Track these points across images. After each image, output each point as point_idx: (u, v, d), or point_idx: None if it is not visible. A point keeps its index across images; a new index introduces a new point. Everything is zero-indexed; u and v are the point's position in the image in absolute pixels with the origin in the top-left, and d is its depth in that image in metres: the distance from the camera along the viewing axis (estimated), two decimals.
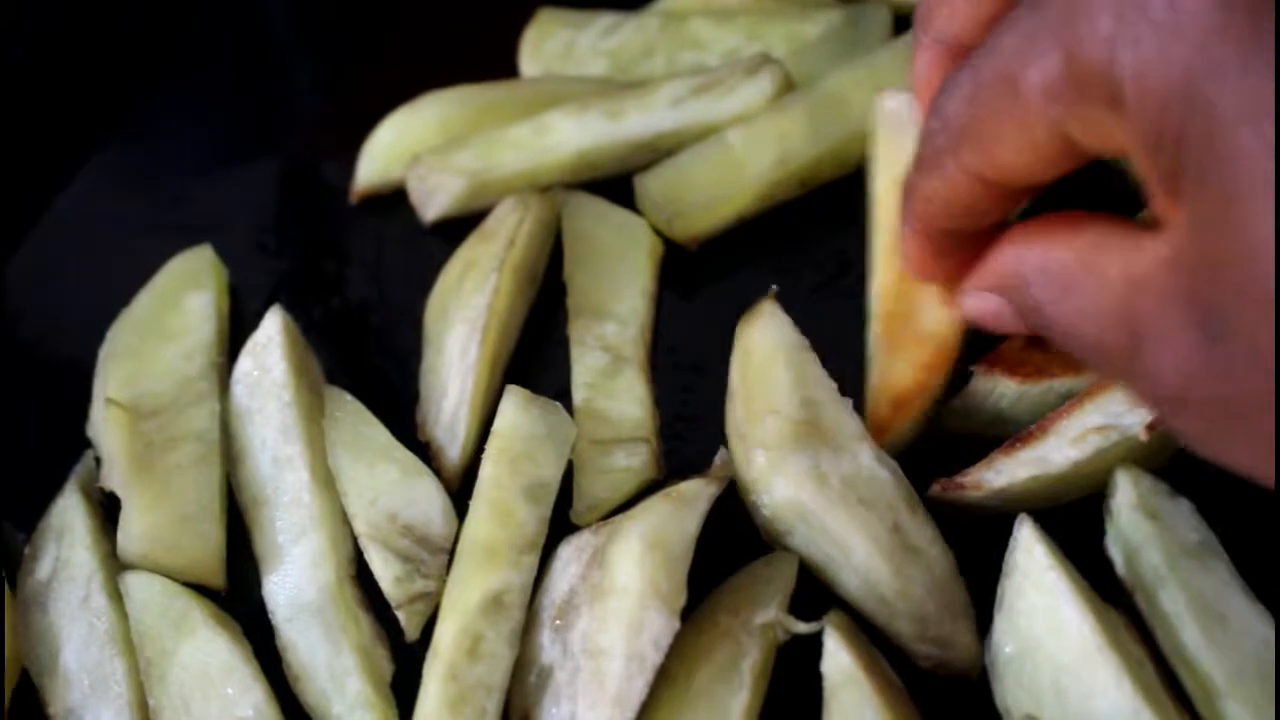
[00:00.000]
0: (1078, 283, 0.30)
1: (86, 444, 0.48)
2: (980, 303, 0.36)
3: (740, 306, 0.45)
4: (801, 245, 0.50)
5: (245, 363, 0.47)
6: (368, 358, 0.50)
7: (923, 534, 0.40)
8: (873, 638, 0.40)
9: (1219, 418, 0.27)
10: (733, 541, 0.42)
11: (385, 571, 0.42)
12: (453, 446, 0.45)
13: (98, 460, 0.47)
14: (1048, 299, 0.31)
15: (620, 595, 0.38)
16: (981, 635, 0.39)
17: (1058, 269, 0.31)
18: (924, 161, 0.34)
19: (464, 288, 0.47)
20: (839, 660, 0.38)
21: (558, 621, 0.40)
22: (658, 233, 0.50)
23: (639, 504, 0.41)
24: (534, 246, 0.48)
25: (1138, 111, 0.26)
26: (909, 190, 0.35)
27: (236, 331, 0.50)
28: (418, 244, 0.52)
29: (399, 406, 0.47)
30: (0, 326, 0.53)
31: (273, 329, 0.46)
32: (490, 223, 0.49)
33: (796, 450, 0.40)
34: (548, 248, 0.50)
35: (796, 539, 0.41)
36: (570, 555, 0.41)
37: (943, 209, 0.34)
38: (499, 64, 0.57)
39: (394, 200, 0.53)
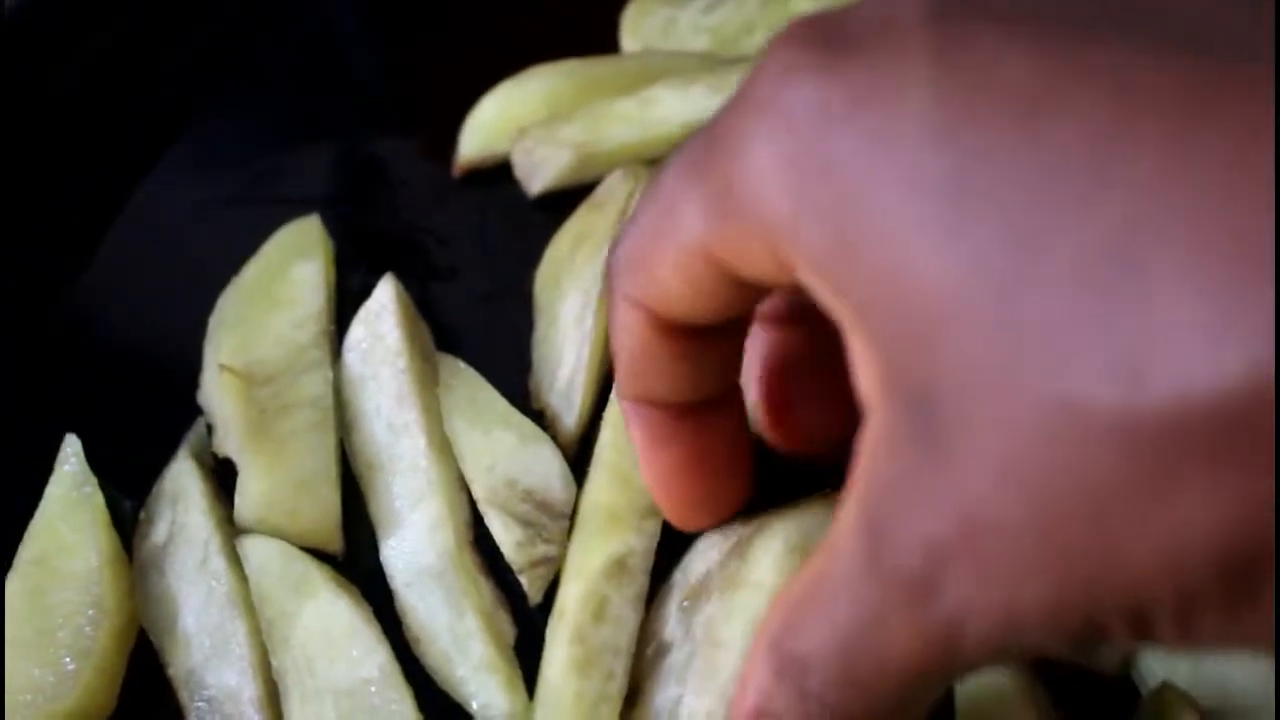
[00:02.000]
0: (842, 651, 0.24)
1: (193, 413, 0.48)
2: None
3: None
4: None
5: (358, 330, 0.47)
6: (475, 328, 0.50)
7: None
8: None
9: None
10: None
11: (506, 536, 0.42)
12: (569, 414, 0.45)
13: (209, 428, 0.47)
14: (822, 683, 0.25)
15: (753, 590, 0.37)
16: None
17: (815, 652, 0.25)
18: (607, 300, 0.31)
19: (577, 258, 0.47)
20: None
21: (685, 602, 0.39)
22: None
23: (796, 501, 0.40)
24: None
25: (776, 214, 0.24)
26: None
27: (340, 303, 0.50)
28: (522, 217, 0.52)
29: (508, 376, 0.47)
30: (98, 302, 0.53)
31: (385, 297, 0.47)
32: (600, 194, 0.49)
33: None
34: None
35: None
36: (714, 540, 0.40)
37: (620, 357, 0.32)
38: (600, 41, 0.57)
39: (498, 174, 0.53)
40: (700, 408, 0.32)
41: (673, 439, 0.33)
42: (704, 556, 0.40)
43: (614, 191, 0.48)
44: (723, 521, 0.39)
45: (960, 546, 0.21)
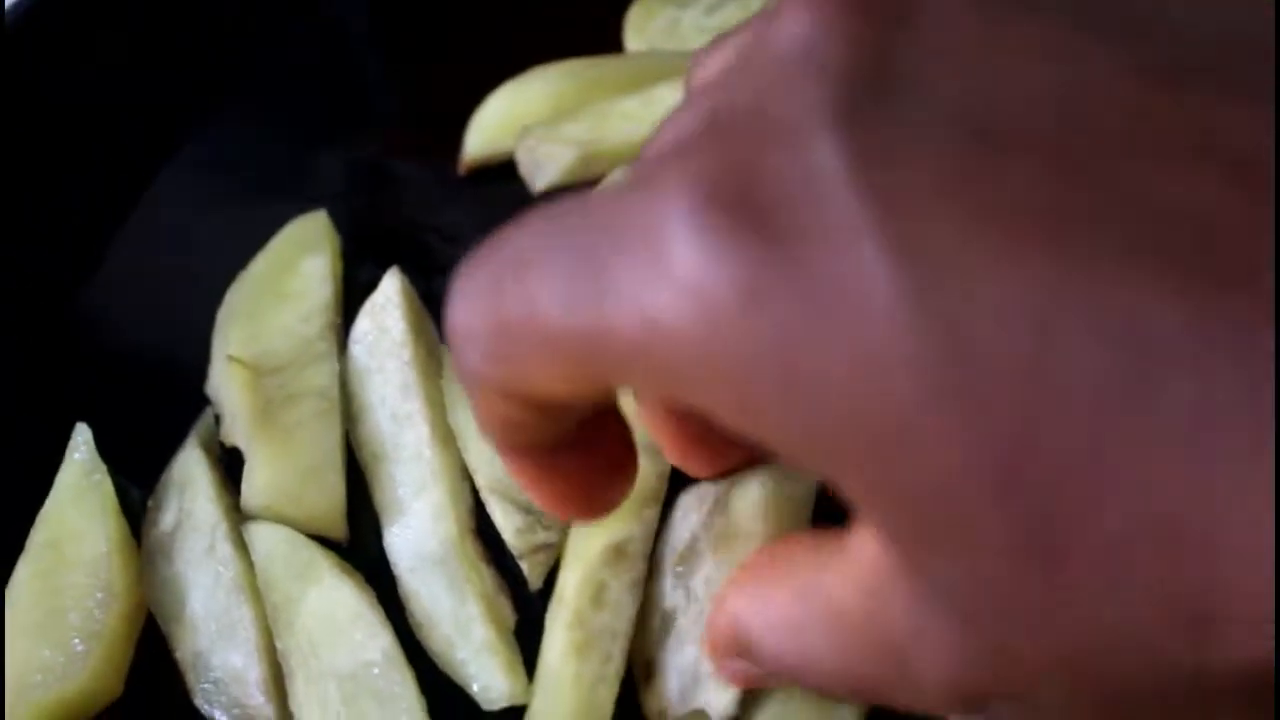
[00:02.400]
0: (805, 621, 0.26)
1: (200, 404, 0.49)
2: (730, 673, 0.32)
3: None
4: None
5: (364, 323, 0.48)
6: None
7: None
8: None
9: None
10: None
11: (507, 523, 0.43)
12: None
13: (216, 418, 0.48)
14: (786, 651, 0.26)
15: (743, 540, 0.38)
16: None
17: (778, 615, 0.27)
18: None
19: None
20: None
21: (679, 568, 0.40)
22: None
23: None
24: None
25: (692, 374, 0.21)
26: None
27: (346, 297, 0.51)
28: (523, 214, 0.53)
29: None
30: (108, 296, 0.54)
31: (391, 290, 0.47)
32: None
33: None
34: None
35: None
36: (690, 504, 0.41)
37: (479, 419, 0.30)
38: (604, 42, 0.57)
39: (502, 172, 0.54)
40: (582, 437, 0.30)
41: (557, 473, 0.31)
42: (685, 522, 0.40)
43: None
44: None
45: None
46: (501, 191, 0.54)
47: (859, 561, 0.23)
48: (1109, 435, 0.17)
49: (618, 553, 0.40)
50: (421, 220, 0.54)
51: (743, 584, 0.28)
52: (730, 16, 0.56)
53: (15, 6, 0.57)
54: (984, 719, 0.23)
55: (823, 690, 0.27)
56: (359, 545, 0.45)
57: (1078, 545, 0.18)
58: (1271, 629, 0.17)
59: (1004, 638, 0.20)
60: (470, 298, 0.27)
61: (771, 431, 0.21)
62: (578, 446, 0.30)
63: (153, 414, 0.49)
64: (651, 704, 0.39)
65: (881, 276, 0.18)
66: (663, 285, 0.21)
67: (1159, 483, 0.17)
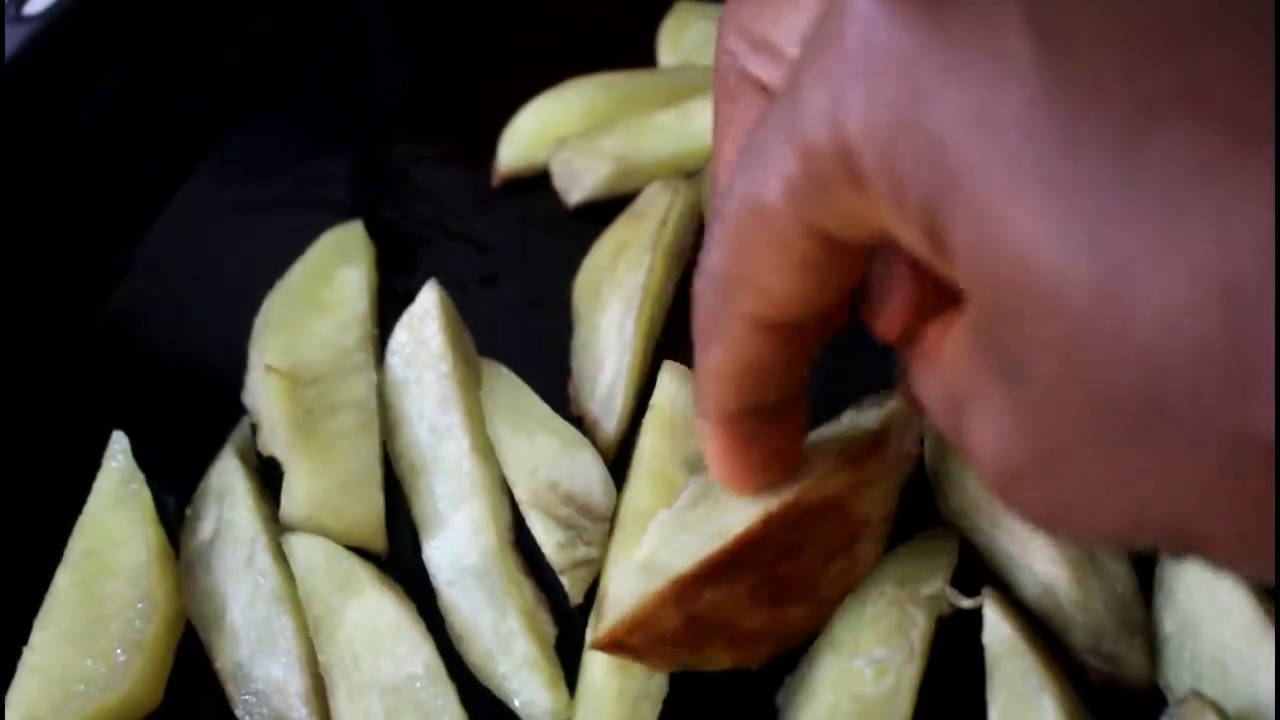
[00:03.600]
0: (926, 377, 0.28)
1: (236, 413, 0.49)
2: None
3: None
4: None
5: (401, 335, 0.48)
6: (515, 334, 0.51)
7: (1108, 549, 0.40)
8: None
9: (1047, 486, 0.24)
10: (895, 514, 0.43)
11: (548, 538, 0.43)
12: (608, 420, 0.46)
13: (253, 427, 0.48)
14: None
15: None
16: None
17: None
18: (703, 332, 0.31)
19: (618, 267, 0.48)
20: (1001, 632, 0.39)
21: None
22: None
23: None
24: (682, 228, 0.50)
25: (872, 172, 0.23)
26: (698, 377, 0.32)
27: (381, 308, 0.51)
28: (560, 226, 0.53)
29: (547, 381, 0.48)
30: (143, 303, 0.54)
31: (429, 301, 0.48)
32: (640, 204, 0.50)
33: None
34: (693, 230, 0.51)
35: (981, 537, 0.42)
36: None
37: (735, 381, 0.31)
38: (638, 55, 0.58)
39: (536, 183, 0.54)
40: (792, 400, 0.33)
41: (763, 436, 0.33)
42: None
43: (653, 202, 0.50)
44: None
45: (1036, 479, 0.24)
46: (535, 203, 0.54)
47: (955, 332, 0.26)
48: (1203, 199, 0.20)
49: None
50: (456, 231, 0.54)
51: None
52: None
53: (47, 10, 0.57)
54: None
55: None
56: (397, 557, 0.45)
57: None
58: None
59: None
60: (712, 245, 0.29)
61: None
62: (787, 409, 0.33)
63: (186, 422, 0.49)
64: None
65: (1023, 75, 0.21)
66: (846, 73, 0.23)
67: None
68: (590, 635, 0.40)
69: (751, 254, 0.27)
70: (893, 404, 0.39)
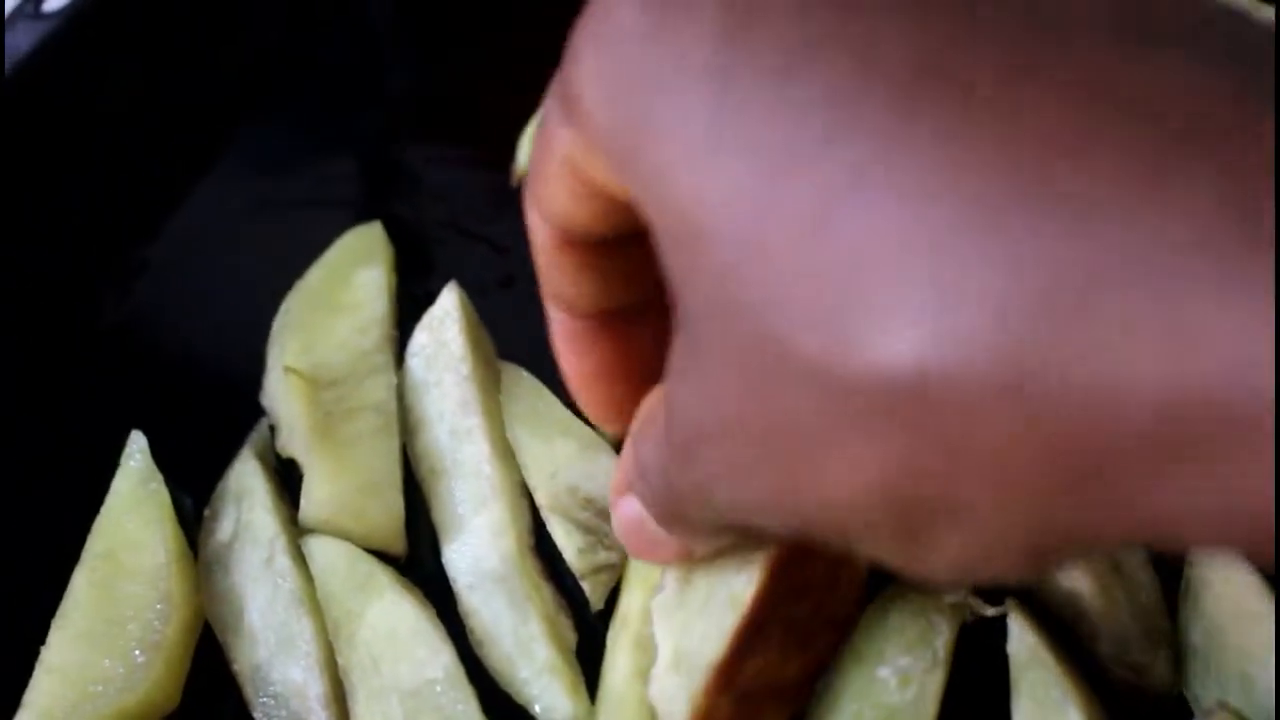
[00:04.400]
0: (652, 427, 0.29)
1: (254, 414, 0.49)
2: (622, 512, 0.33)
3: None
4: None
5: (421, 336, 0.48)
6: (534, 336, 0.50)
7: (1133, 557, 0.40)
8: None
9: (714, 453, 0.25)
10: None
11: (568, 543, 0.43)
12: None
13: (271, 429, 0.48)
14: (645, 449, 0.30)
15: None
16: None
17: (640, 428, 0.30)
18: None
19: None
20: (1025, 641, 0.38)
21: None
22: None
23: None
24: None
25: (588, 110, 0.25)
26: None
27: (399, 310, 0.51)
28: None
29: (563, 383, 0.47)
30: (158, 304, 0.54)
31: (449, 303, 0.47)
32: None
33: None
34: None
35: None
36: None
37: (540, 269, 0.33)
38: None
39: None
40: (616, 317, 0.33)
41: (590, 347, 0.34)
42: None
43: None
44: None
45: (704, 437, 0.24)
46: None
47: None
48: (835, 125, 0.21)
49: None
50: (474, 233, 0.54)
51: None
52: None
53: (61, 11, 0.57)
54: None
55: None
56: (416, 561, 0.45)
57: None
58: (884, 338, 0.20)
59: None
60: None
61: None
62: (615, 328, 0.33)
63: (203, 423, 0.49)
64: None
65: (705, 33, 0.22)
66: (589, 38, 0.25)
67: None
68: (612, 643, 0.40)
69: (540, 159, 0.29)
70: None
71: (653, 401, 0.30)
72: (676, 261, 0.23)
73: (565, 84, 0.26)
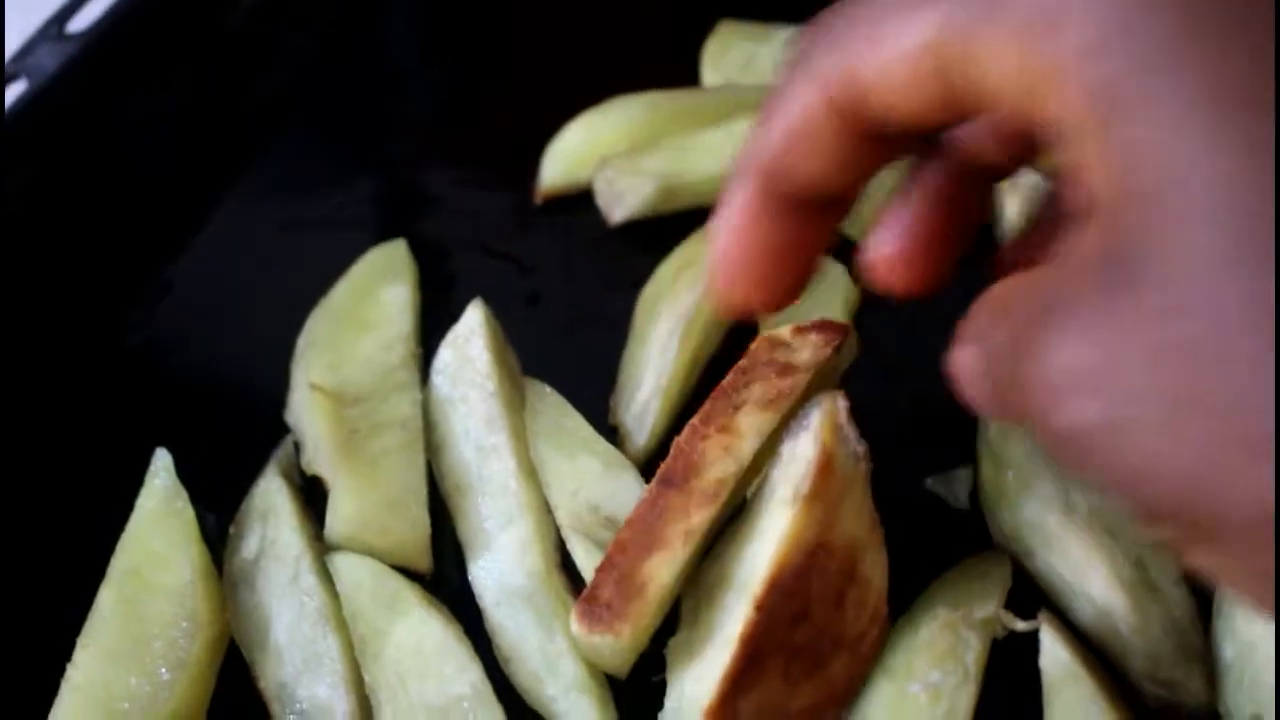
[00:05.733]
0: (985, 323, 0.28)
1: (278, 432, 0.49)
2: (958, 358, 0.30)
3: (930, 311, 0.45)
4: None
5: (446, 354, 0.48)
6: (558, 354, 0.50)
7: (1166, 573, 0.40)
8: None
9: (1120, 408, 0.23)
10: (944, 537, 0.42)
11: (588, 562, 0.42)
12: (640, 433, 0.46)
13: (296, 446, 0.48)
14: (991, 326, 0.28)
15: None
16: None
17: (1000, 302, 0.28)
18: (788, 75, 0.30)
19: (677, 285, 0.48)
20: (1058, 656, 0.38)
21: None
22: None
23: None
24: None
25: (1071, 38, 0.24)
26: (753, 135, 0.31)
27: (424, 327, 0.51)
28: (603, 245, 0.53)
29: (590, 402, 0.47)
30: (180, 322, 0.54)
31: (475, 320, 0.47)
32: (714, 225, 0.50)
33: (1048, 474, 0.41)
34: None
35: (1036, 561, 0.41)
36: None
37: (786, 142, 0.30)
38: (680, 75, 0.58)
39: (578, 201, 0.54)
40: (815, 202, 0.31)
41: (776, 222, 0.32)
42: None
43: None
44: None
45: (1088, 373, 0.23)
46: (578, 222, 0.54)
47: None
48: None
49: None
50: (498, 250, 0.54)
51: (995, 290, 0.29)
52: None
53: (85, 33, 0.57)
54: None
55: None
56: (441, 578, 0.45)
57: None
58: None
59: None
60: (843, 11, 0.28)
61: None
62: (810, 211, 0.32)
63: (228, 442, 0.49)
64: None
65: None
66: None
67: None
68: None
69: (879, 30, 0.27)
70: (818, 412, 0.37)
71: (1019, 286, 0.27)
72: (1120, 220, 0.23)
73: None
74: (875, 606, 0.38)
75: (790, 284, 0.34)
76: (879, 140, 0.29)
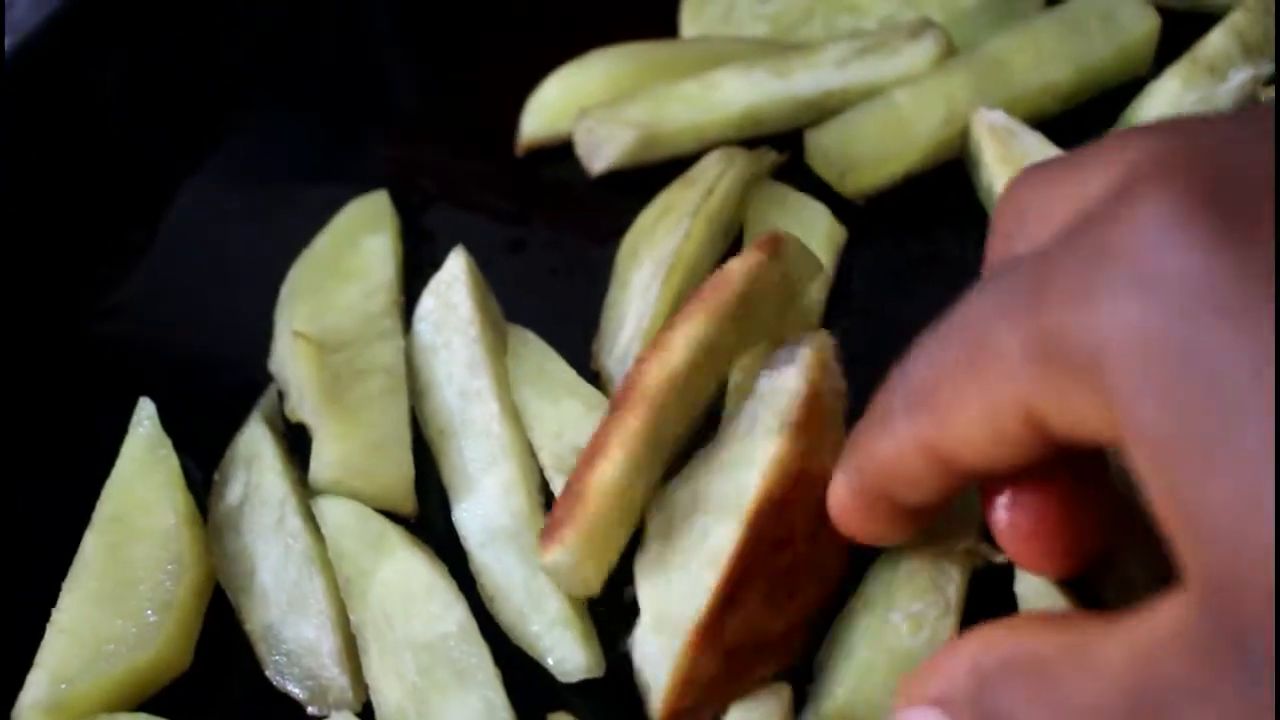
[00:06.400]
0: (1059, 673, 0.25)
1: (260, 381, 0.49)
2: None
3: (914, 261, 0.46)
4: (967, 204, 0.51)
5: (429, 301, 0.48)
6: (540, 301, 0.51)
7: (1138, 492, 0.40)
8: None
9: None
10: None
11: None
12: (621, 377, 0.46)
13: (280, 394, 0.48)
14: (1021, 699, 0.25)
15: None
16: None
17: (1030, 661, 0.26)
18: (876, 417, 0.31)
19: (657, 230, 0.48)
20: (1033, 581, 0.39)
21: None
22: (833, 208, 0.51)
23: None
24: (731, 200, 0.50)
25: (1123, 391, 0.22)
26: (854, 441, 0.33)
27: (405, 277, 0.51)
28: (583, 194, 0.53)
29: (572, 348, 0.48)
30: (163, 278, 0.54)
31: (457, 268, 0.48)
32: (693, 171, 0.50)
33: None
34: (743, 203, 0.51)
35: None
36: None
37: (882, 472, 0.32)
38: (658, 27, 0.58)
39: (559, 153, 0.55)
40: (931, 509, 0.34)
41: (890, 515, 0.34)
42: None
43: (706, 170, 0.50)
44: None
45: None
46: (558, 173, 0.54)
47: (1154, 620, 0.23)
48: None
49: None
50: (478, 201, 0.54)
51: (991, 633, 0.28)
52: (787, 4, 0.57)
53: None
54: None
55: None
56: (425, 521, 0.45)
57: None
58: None
59: None
60: (922, 355, 0.29)
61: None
62: (922, 511, 0.33)
63: (209, 392, 0.49)
64: None
65: None
66: (1118, 280, 0.22)
67: None
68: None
69: (953, 385, 0.27)
70: (806, 351, 0.38)
71: (1031, 644, 0.26)
72: (1221, 589, 0.21)
73: (1046, 318, 0.23)
74: (844, 540, 0.39)
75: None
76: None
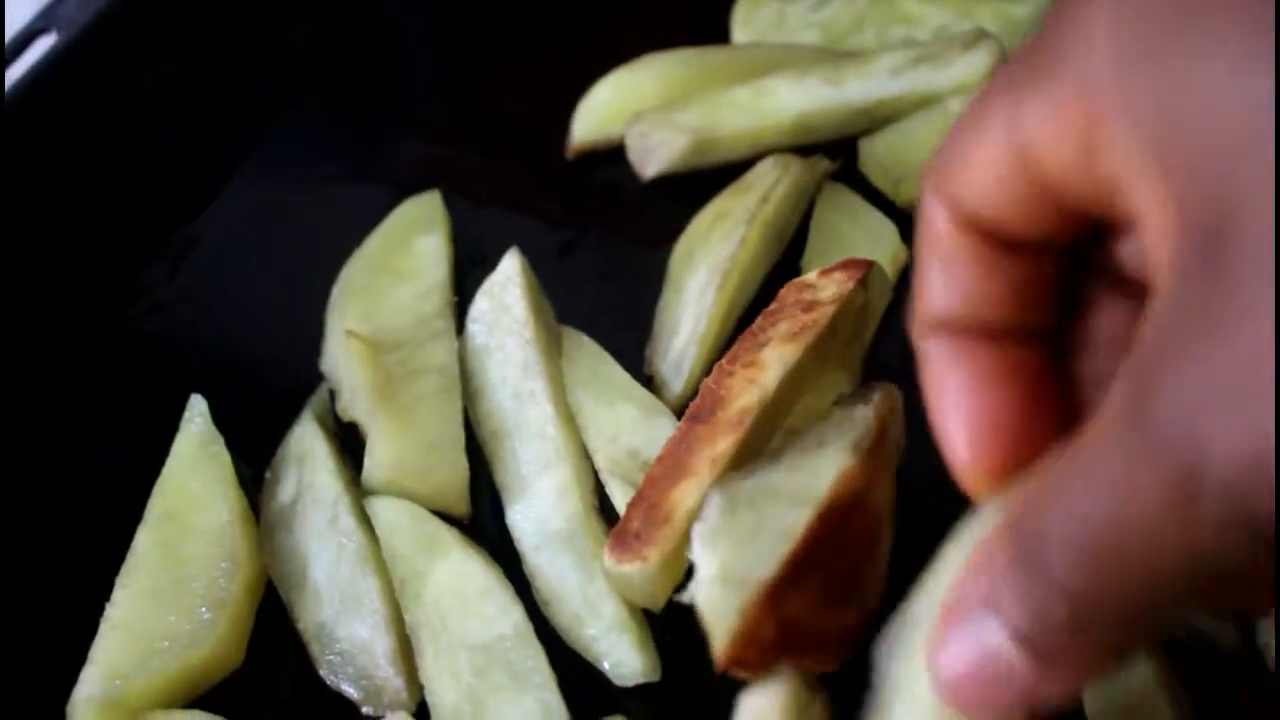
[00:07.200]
0: (1074, 488, 0.22)
1: (312, 380, 0.49)
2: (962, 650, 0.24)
3: None
4: None
5: (483, 302, 0.48)
6: (592, 304, 0.51)
7: None
8: None
9: None
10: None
11: (626, 505, 0.42)
12: (675, 381, 0.46)
13: (331, 394, 0.48)
14: (1055, 540, 0.22)
15: None
16: None
17: (1044, 504, 0.23)
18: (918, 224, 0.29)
19: (712, 236, 0.48)
20: None
21: None
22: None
23: None
24: (786, 207, 0.50)
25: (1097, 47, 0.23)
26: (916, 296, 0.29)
27: (458, 278, 0.51)
28: (635, 199, 0.53)
29: (623, 350, 0.48)
30: (207, 279, 0.54)
31: (511, 269, 0.48)
32: (748, 178, 0.50)
33: None
34: (800, 212, 0.51)
35: None
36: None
37: (938, 269, 0.28)
38: (710, 33, 0.58)
39: (610, 157, 0.55)
40: (1021, 339, 0.28)
41: (1004, 375, 0.28)
42: None
43: (761, 177, 0.50)
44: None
45: (1231, 384, 0.20)
46: (609, 177, 0.54)
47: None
48: None
49: None
50: (531, 204, 0.54)
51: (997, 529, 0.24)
52: (838, 11, 0.57)
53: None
54: None
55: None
56: (478, 524, 0.45)
57: None
58: None
59: None
60: (949, 133, 0.27)
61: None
62: (1023, 351, 0.28)
63: (260, 392, 0.49)
64: None
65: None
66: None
67: None
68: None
69: (969, 140, 0.26)
70: (878, 394, 0.38)
71: (1048, 471, 0.23)
72: (1200, 193, 0.21)
73: (1046, 45, 0.24)
74: (880, 590, 0.39)
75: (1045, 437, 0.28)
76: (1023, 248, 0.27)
